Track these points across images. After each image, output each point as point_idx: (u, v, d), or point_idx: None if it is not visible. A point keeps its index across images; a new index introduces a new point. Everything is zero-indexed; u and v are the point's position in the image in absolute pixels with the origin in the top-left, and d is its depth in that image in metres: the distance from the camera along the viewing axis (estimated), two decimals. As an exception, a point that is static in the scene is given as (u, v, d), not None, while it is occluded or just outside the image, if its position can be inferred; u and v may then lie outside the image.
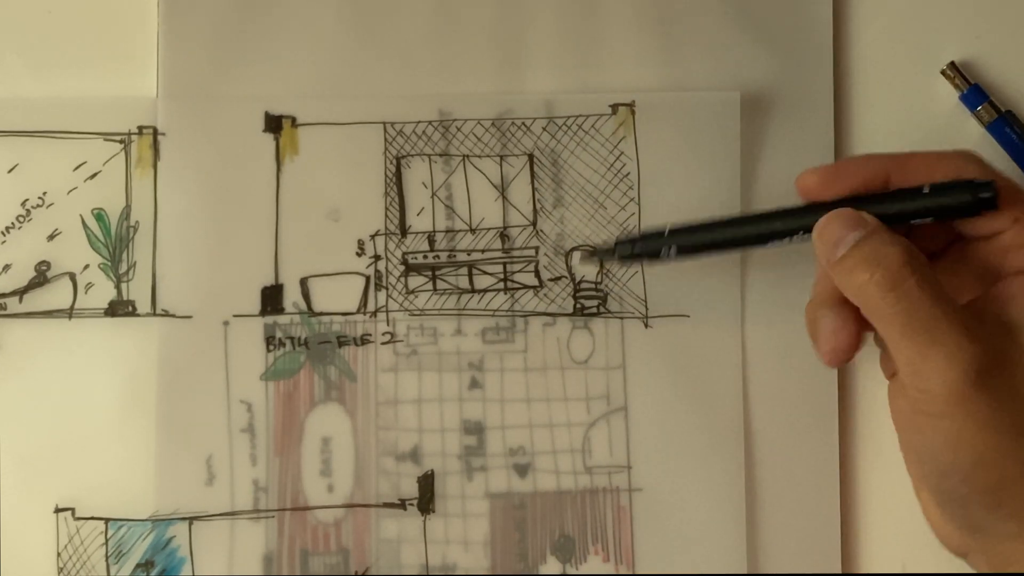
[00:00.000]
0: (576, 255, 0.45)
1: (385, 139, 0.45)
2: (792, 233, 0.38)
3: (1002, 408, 0.34)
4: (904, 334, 0.34)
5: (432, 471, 0.44)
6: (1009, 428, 0.34)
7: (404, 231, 0.45)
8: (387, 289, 0.45)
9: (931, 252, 0.40)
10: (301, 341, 0.45)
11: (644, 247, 0.40)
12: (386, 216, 0.45)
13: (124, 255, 0.44)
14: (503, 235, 0.45)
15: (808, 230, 0.38)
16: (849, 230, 0.36)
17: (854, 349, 0.38)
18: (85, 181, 0.44)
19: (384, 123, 0.45)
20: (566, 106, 0.45)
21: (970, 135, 0.46)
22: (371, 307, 0.45)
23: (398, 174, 0.45)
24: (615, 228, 0.45)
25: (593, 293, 0.45)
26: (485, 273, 0.45)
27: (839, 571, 0.44)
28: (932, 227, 0.38)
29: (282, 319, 0.44)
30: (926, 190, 0.37)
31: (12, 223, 0.44)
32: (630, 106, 0.45)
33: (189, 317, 0.44)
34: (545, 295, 0.45)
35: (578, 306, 0.45)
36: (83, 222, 0.44)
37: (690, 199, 0.45)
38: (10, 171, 0.44)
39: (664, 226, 0.40)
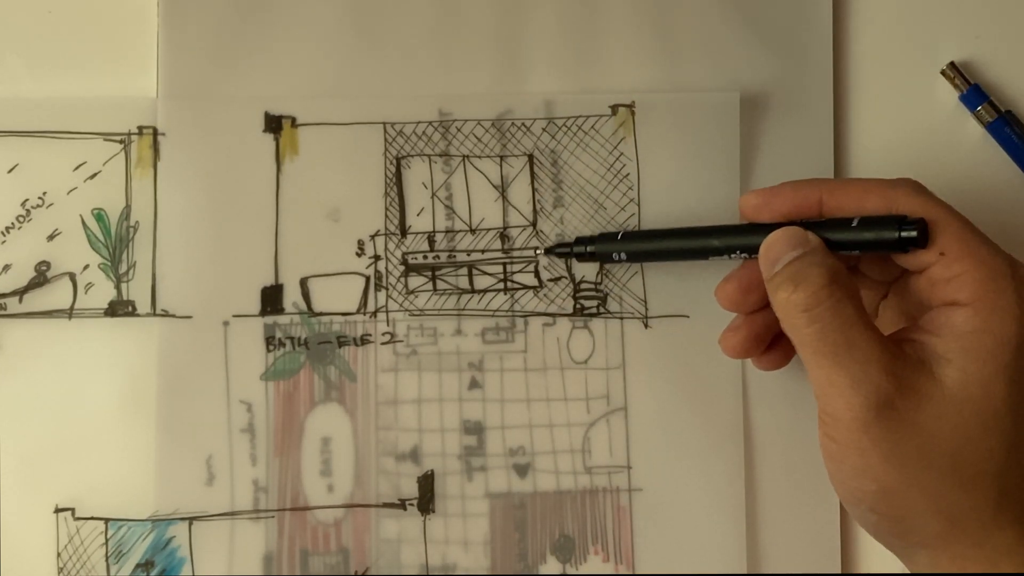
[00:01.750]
0: (541, 251, 0.45)
1: (385, 139, 0.45)
2: (731, 251, 0.40)
3: (908, 440, 0.34)
4: (814, 355, 0.35)
5: (432, 471, 0.44)
6: (915, 460, 0.34)
7: (404, 231, 0.45)
8: (387, 289, 0.45)
9: (885, 281, 0.41)
10: (301, 341, 0.45)
11: (598, 247, 0.43)
12: (386, 216, 0.45)
13: (124, 255, 0.44)
14: (503, 235, 0.45)
15: (744, 249, 0.39)
16: (790, 248, 0.37)
17: (749, 355, 0.41)
18: (85, 181, 0.44)
19: (384, 123, 0.45)
20: (566, 106, 0.45)
21: (970, 135, 0.46)
22: (371, 307, 0.45)
23: (398, 174, 0.45)
24: (615, 228, 0.45)
25: (593, 293, 0.45)
26: (485, 273, 0.45)
27: (839, 571, 0.44)
28: (884, 257, 0.39)
29: (282, 319, 0.44)
30: (855, 223, 0.37)
31: (12, 223, 0.44)
32: (630, 106, 0.45)
33: (189, 317, 0.44)
34: (545, 295, 0.45)
35: (578, 306, 0.45)
36: (83, 222, 0.44)
37: (690, 199, 0.45)
38: (10, 171, 0.44)
39: (619, 231, 0.43)
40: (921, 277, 0.37)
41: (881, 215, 0.37)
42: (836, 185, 0.39)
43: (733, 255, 0.40)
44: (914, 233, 0.36)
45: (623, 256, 0.42)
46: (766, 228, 0.38)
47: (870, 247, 0.37)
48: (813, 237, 0.37)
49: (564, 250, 0.44)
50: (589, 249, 0.43)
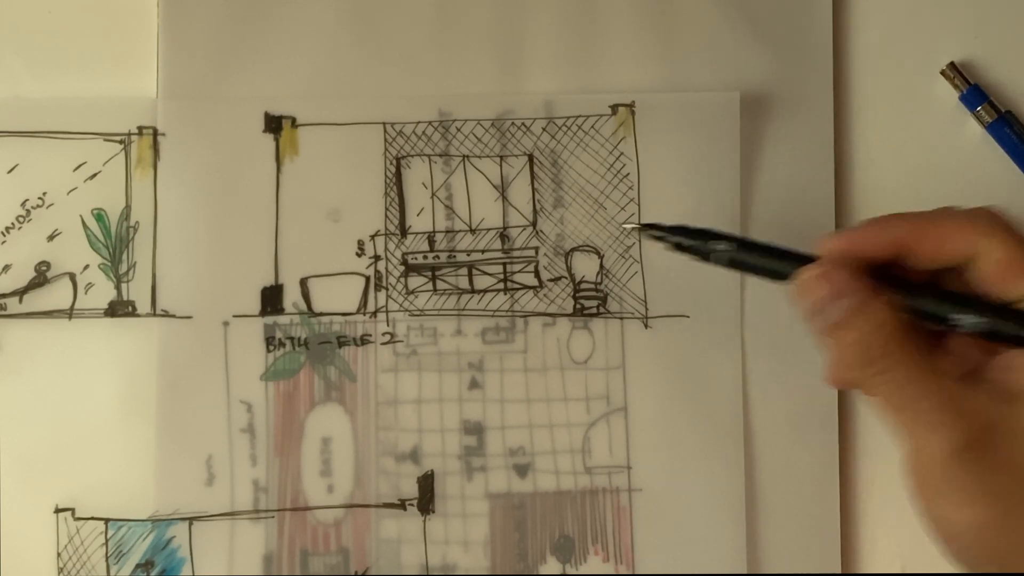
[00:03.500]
0: (632, 226, 0.43)
1: (385, 139, 0.45)
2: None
3: (994, 479, 0.34)
4: (889, 410, 0.35)
5: (432, 471, 0.44)
6: (1005, 498, 0.34)
7: (404, 231, 0.45)
8: (387, 289, 0.45)
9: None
10: (301, 341, 0.45)
11: (697, 243, 0.39)
12: (386, 216, 0.45)
13: (124, 255, 0.44)
14: (503, 235, 0.45)
15: None
16: (834, 297, 0.35)
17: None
18: (85, 181, 0.44)
19: (384, 123, 0.45)
20: (566, 106, 0.45)
21: (970, 135, 0.46)
22: (371, 307, 0.45)
23: (398, 174, 0.45)
24: (615, 228, 0.45)
25: (593, 293, 0.45)
26: (485, 273, 0.45)
27: (839, 571, 0.44)
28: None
29: (282, 319, 0.44)
30: (981, 323, 0.35)
31: (12, 223, 0.44)
32: (630, 106, 0.45)
33: (189, 317, 0.44)
34: (545, 295, 0.45)
35: (578, 306, 0.45)
36: (83, 222, 0.44)
37: (690, 199, 0.45)
38: (10, 171, 0.44)
39: (729, 237, 0.38)
40: None
41: (1006, 308, 0.35)
42: (917, 225, 0.36)
43: None
44: None
45: (724, 260, 0.38)
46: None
47: (987, 337, 0.35)
48: (862, 279, 0.35)
49: (659, 234, 0.39)
50: (687, 243, 0.39)
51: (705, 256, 0.38)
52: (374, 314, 0.45)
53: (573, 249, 0.45)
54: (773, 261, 0.37)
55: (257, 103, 0.45)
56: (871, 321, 0.35)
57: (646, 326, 0.45)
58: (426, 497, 0.44)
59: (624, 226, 0.45)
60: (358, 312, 0.45)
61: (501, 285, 0.45)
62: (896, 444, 0.35)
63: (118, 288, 0.44)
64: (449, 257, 0.45)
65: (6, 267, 0.44)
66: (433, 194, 0.45)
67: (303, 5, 0.45)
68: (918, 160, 0.46)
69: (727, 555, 0.44)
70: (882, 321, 0.35)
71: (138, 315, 0.44)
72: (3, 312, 0.44)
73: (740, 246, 0.38)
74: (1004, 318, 0.35)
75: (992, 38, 0.46)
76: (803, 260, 0.36)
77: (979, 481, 0.34)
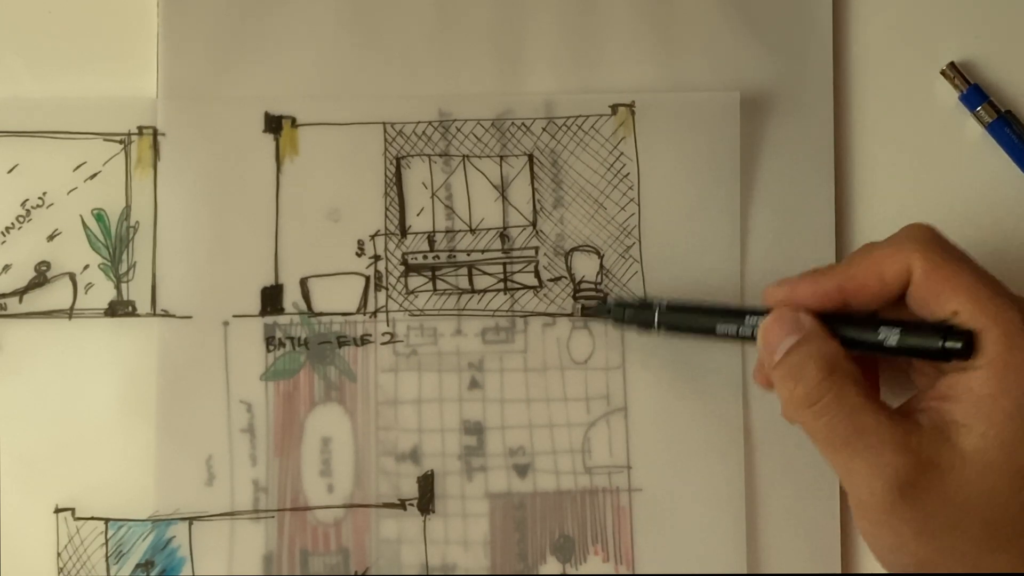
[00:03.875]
0: (579, 304, 0.45)
1: (385, 139, 0.45)
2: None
3: (937, 513, 0.34)
4: (827, 448, 0.35)
5: (432, 471, 0.44)
6: (948, 530, 0.34)
7: (404, 231, 0.45)
8: (387, 289, 0.45)
9: None
10: (301, 341, 0.45)
11: (635, 316, 0.42)
12: (386, 216, 0.45)
13: (124, 255, 0.44)
14: (503, 235, 0.45)
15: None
16: (785, 334, 0.36)
17: None
18: (85, 181, 0.44)
19: (384, 123, 0.45)
20: (566, 106, 0.45)
21: (970, 135, 0.46)
22: (371, 307, 0.45)
23: (398, 174, 0.45)
24: (615, 228, 0.45)
25: (593, 293, 0.45)
26: (485, 273, 0.45)
27: (839, 571, 0.44)
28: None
29: (282, 319, 0.44)
30: (891, 341, 0.36)
31: (12, 223, 0.44)
32: (630, 106, 0.45)
33: (189, 317, 0.44)
34: (545, 295, 0.45)
35: (578, 306, 0.45)
36: (83, 222, 0.44)
37: (690, 199, 0.45)
38: (10, 171, 0.44)
39: (660, 301, 0.41)
40: None
41: (924, 323, 0.35)
42: (849, 267, 0.37)
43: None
44: (959, 345, 0.34)
45: (661, 328, 0.41)
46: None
47: (909, 354, 0.36)
48: (806, 319, 0.36)
49: (601, 310, 0.44)
50: (626, 316, 0.42)
51: (647, 326, 0.41)
52: (374, 314, 0.45)
53: (573, 249, 0.45)
54: (701, 318, 0.40)
55: (257, 103, 0.45)
56: (812, 349, 0.35)
57: (646, 326, 0.45)
58: (426, 497, 0.44)
59: (576, 306, 0.45)
60: (358, 312, 0.45)
61: (501, 285, 0.45)
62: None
63: (118, 288, 0.44)
64: (449, 257, 0.45)
65: (6, 267, 0.44)
66: (433, 194, 0.45)
67: (303, 5, 0.45)
68: (918, 160, 0.46)
69: (727, 555, 0.44)
70: (822, 353, 0.35)
71: (138, 315, 0.44)
72: (3, 312, 0.44)
73: (670, 309, 0.41)
74: (918, 328, 0.35)
75: (992, 38, 0.46)
76: (732, 314, 0.39)
77: (917, 520, 0.34)
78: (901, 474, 0.33)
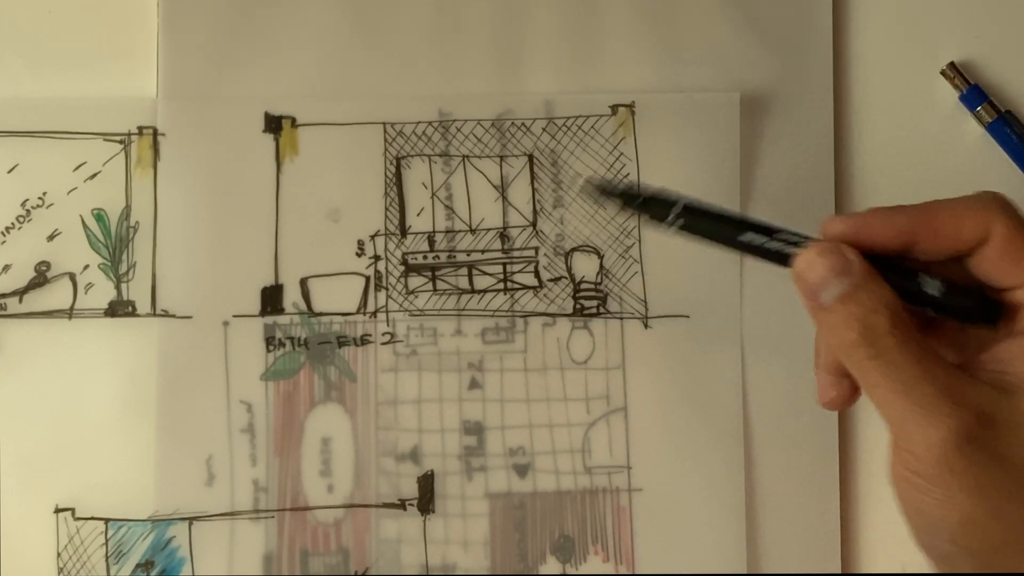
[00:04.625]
0: (582, 182, 0.41)
1: (385, 139, 0.45)
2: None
3: (991, 471, 0.33)
4: (883, 395, 0.34)
5: (432, 471, 0.44)
6: (998, 491, 0.33)
7: (404, 231, 0.45)
8: (387, 289, 0.45)
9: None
10: (301, 341, 0.45)
11: (651, 208, 0.37)
12: (386, 216, 0.45)
13: (124, 255, 0.44)
14: (503, 235, 0.45)
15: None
16: (833, 274, 0.34)
17: (850, 401, 0.37)
18: (85, 181, 0.44)
19: (384, 123, 0.45)
20: (566, 106, 0.45)
21: (970, 135, 0.46)
22: (371, 307, 0.45)
23: (398, 174, 0.45)
24: (615, 228, 0.45)
25: (593, 293, 0.45)
26: (485, 273, 0.45)
27: (839, 571, 0.44)
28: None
29: (282, 319, 0.44)
30: (937, 292, 0.35)
31: (12, 223, 0.44)
32: (630, 107, 0.45)
33: (189, 317, 0.44)
34: (545, 295, 0.45)
35: (578, 306, 0.45)
36: (83, 222, 0.44)
37: (690, 199, 0.45)
38: (10, 171, 0.44)
39: (679, 198, 0.36)
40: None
41: (963, 286, 0.35)
42: (928, 212, 0.35)
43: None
44: (994, 311, 0.34)
45: (680, 223, 0.36)
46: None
47: (942, 310, 0.35)
48: (855, 260, 0.34)
49: (613, 192, 0.37)
50: (641, 202, 0.37)
51: (661, 219, 0.37)
52: (374, 314, 0.45)
53: (573, 249, 0.45)
54: (724, 227, 0.36)
55: (257, 103, 0.45)
56: (875, 298, 0.34)
57: (646, 326, 0.45)
58: (426, 497, 0.44)
59: (581, 182, 0.43)
60: (358, 312, 0.45)
61: (501, 285, 0.45)
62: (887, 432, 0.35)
63: (118, 288, 0.44)
64: (449, 257, 0.45)
65: (6, 267, 0.44)
66: (433, 194, 0.45)
67: (303, 5, 0.45)
68: (918, 160, 0.46)
69: (727, 555, 0.44)
70: (886, 300, 0.34)
71: (138, 315, 0.44)
72: (3, 312, 0.44)
73: (689, 213, 0.36)
74: (955, 286, 0.35)
75: (992, 38, 0.46)
76: (759, 229, 0.36)
77: (972, 475, 0.33)
78: (960, 427, 0.33)
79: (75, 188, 0.44)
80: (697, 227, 0.36)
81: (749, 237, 0.36)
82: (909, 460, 0.34)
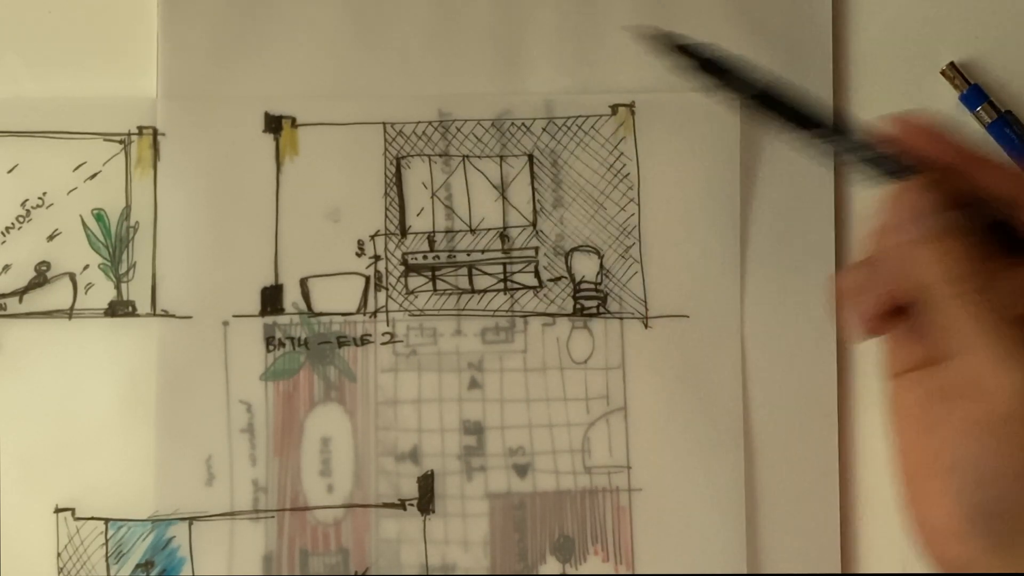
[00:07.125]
0: (652, 32, 0.36)
1: (385, 139, 0.45)
2: (885, 168, 0.34)
3: None
4: (968, 338, 0.33)
5: (432, 471, 0.44)
6: None
7: (404, 231, 0.45)
8: (387, 289, 0.45)
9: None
10: (301, 341, 0.45)
11: (731, 81, 0.35)
12: (386, 216, 0.45)
13: (124, 255, 0.44)
14: (503, 235, 0.45)
15: (894, 173, 0.34)
16: (931, 210, 0.33)
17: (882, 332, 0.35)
18: (85, 181, 0.45)
19: (384, 123, 0.45)
20: (566, 106, 0.45)
21: (970, 136, 0.46)
22: (371, 307, 0.45)
23: (398, 174, 0.45)
24: (615, 228, 0.45)
25: (593, 293, 0.45)
26: (485, 273, 0.45)
27: (839, 571, 0.44)
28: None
29: (282, 319, 0.44)
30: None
31: (12, 223, 0.44)
32: (630, 107, 0.45)
33: (189, 317, 0.44)
34: (545, 295, 0.45)
35: (578, 306, 0.45)
36: (83, 222, 0.44)
37: (690, 199, 0.45)
38: (10, 171, 0.44)
39: (759, 76, 0.35)
40: None
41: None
42: (993, 165, 0.34)
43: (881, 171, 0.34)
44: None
45: (756, 92, 0.35)
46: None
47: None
48: (967, 190, 0.33)
49: (688, 52, 0.35)
50: (718, 66, 0.35)
51: (740, 87, 0.35)
52: (374, 314, 0.45)
53: (573, 249, 0.45)
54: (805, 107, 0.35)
55: (257, 103, 0.45)
56: (975, 236, 0.33)
57: (646, 326, 0.45)
58: (426, 497, 0.44)
59: (639, 32, 0.40)
60: (358, 312, 0.45)
61: (501, 285, 0.45)
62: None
63: (118, 288, 0.44)
64: (449, 257, 0.45)
65: (6, 267, 0.44)
66: (433, 194, 0.45)
67: (303, 5, 0.45)
68: (918, 160, 0.46)
69: (727, 555, 0.44)
70: (984, 239, 0.33)
71: (138, 315, 0.44)
72: (3, 312, 0.44)
73: (763, 96, 0.35)
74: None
75: (992, 38, 0.46)
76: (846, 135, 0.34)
77: None
78: None
79: (75, 188, 0.44)
80: (777, 108, 0.35)
81: (823, 133, 0.34)
82: (973, 408, 0.33)
